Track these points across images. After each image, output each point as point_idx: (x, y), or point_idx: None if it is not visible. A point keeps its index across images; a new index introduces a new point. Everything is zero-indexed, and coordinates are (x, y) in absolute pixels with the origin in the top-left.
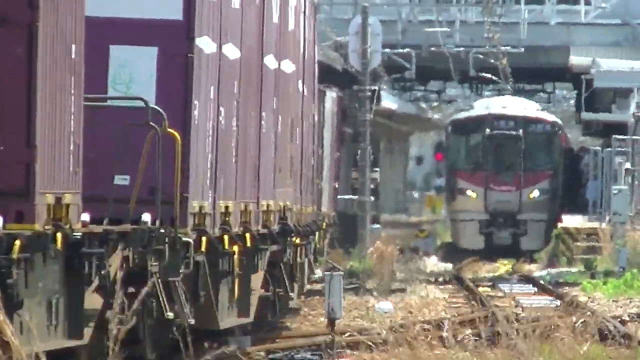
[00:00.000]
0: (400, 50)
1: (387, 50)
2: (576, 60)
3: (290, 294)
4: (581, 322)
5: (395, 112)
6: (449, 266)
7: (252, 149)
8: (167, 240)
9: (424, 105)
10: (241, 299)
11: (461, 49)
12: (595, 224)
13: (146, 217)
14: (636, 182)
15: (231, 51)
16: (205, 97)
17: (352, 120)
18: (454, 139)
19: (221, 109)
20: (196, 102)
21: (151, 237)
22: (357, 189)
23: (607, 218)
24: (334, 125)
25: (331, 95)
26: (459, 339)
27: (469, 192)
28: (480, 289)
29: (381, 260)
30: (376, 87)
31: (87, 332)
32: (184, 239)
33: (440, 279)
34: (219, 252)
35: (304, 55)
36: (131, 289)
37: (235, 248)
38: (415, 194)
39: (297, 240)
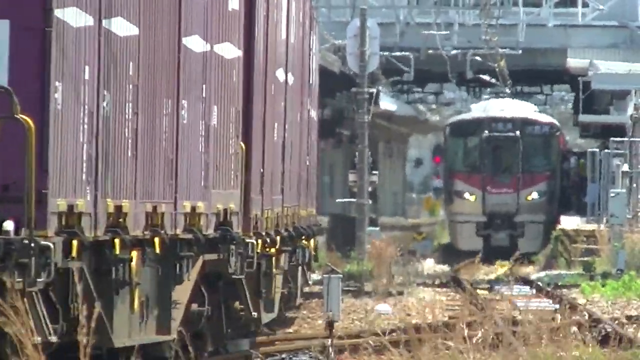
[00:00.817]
0: (398, 53)
1: (385, 52)
2: (574, 62)
3: (254, 313)
4: (580, 325)
5: (393, 113)
6: (447, 268)
7: (164, 141)
8: (32, 251)
9: (422, 107)
10: (159, 313)
11: (459, 51)
12: (594, 226)
13: (9, 225)
14: (634, 185)
15: (121, 27)
16: (76, 78)
17: (349, 122)
18: (452, 141)
19: (104, 92)
20: (58, 83)
21: (10, 249)
22: (355, 192)
23: (605, 220)
24: None
25: None
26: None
27: (466, 194)
28: (478, 291)
29: (379, 261)
30: (375, 90)
31: None
32: (42, 242)
33: (438, 282)
34: (110, 258)
35: (287, 42)
36: None
37: (134, 254)
38: (414, 196)
39: (273, 250)
